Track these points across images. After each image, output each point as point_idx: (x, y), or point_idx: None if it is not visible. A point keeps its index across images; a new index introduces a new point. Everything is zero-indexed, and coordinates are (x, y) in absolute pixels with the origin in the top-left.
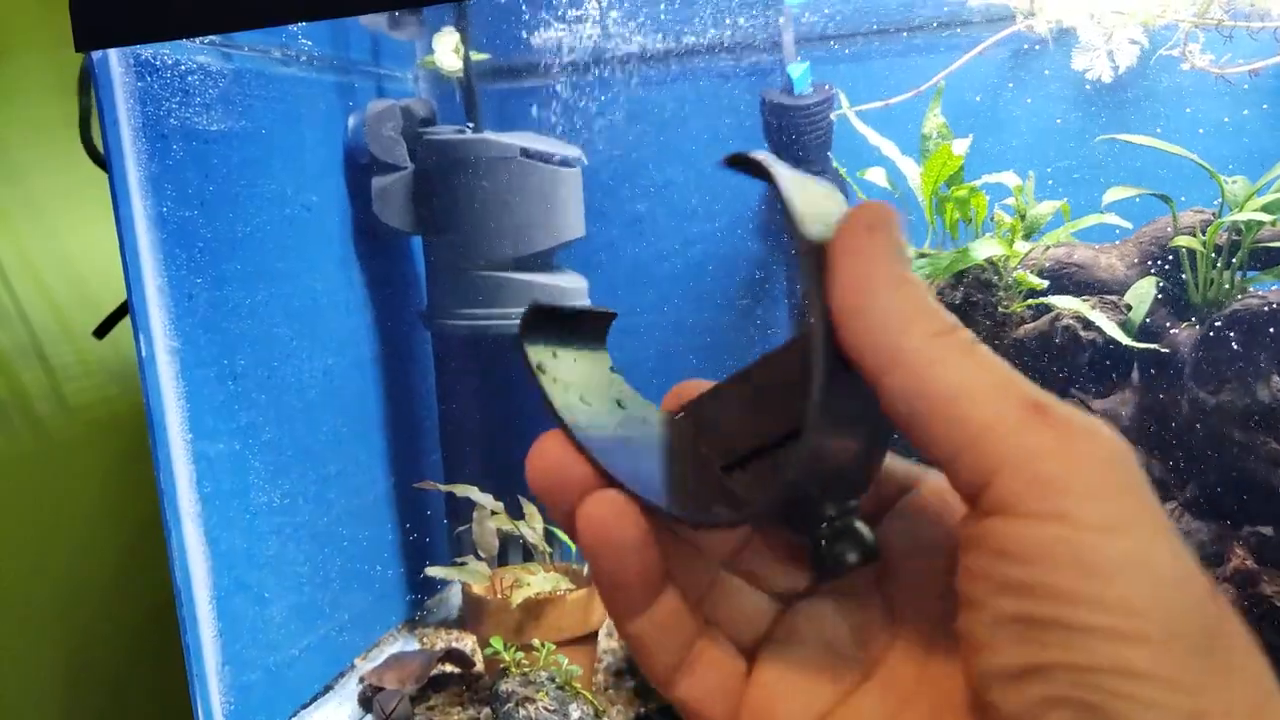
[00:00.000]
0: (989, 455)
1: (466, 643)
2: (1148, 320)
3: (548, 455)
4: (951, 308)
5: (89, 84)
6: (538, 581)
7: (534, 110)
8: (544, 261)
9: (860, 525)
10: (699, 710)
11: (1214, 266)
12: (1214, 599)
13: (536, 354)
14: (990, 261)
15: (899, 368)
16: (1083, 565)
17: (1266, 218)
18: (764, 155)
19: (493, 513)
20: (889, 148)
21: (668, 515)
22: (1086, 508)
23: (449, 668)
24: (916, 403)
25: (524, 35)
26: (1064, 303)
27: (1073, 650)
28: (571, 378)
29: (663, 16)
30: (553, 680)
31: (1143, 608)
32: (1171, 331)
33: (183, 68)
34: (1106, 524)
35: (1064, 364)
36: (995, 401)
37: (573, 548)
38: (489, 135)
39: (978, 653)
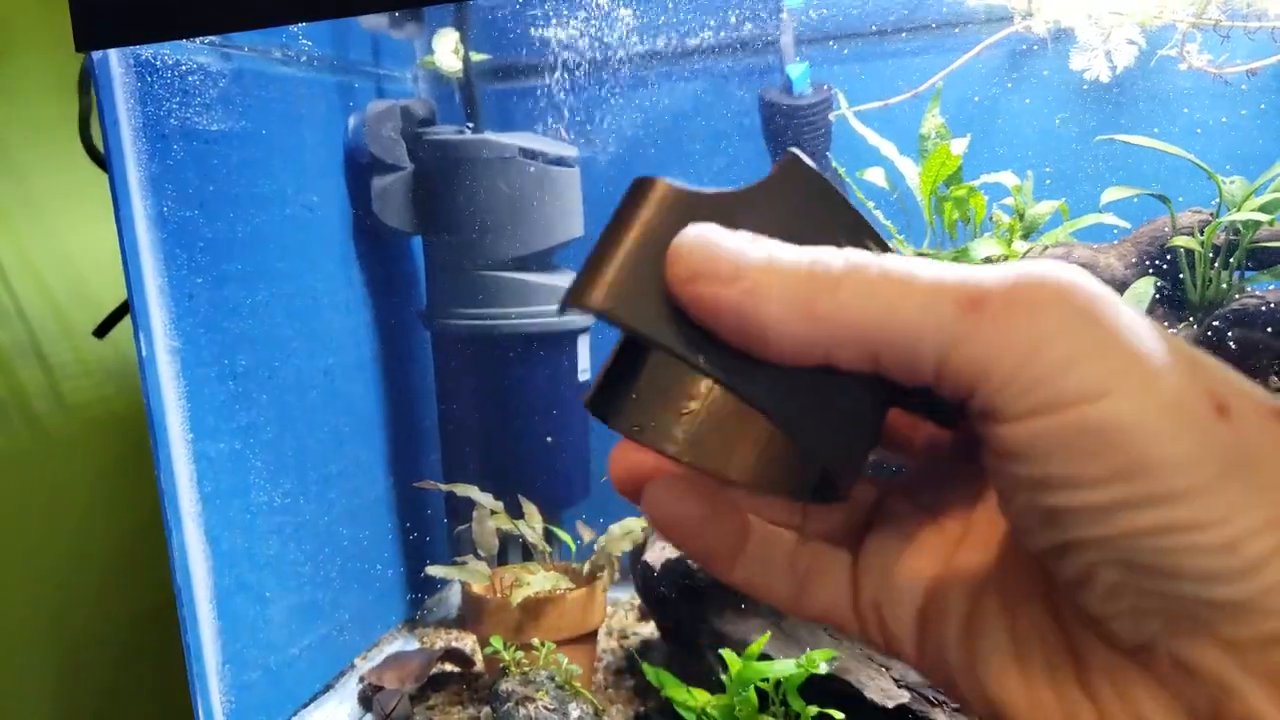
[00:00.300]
0: (952, 380)
1: (466, 642)
2: None
3: (628, 459)
4: None
5: (89, 84)
6: (537, 581)
7: (533, 110)
8: (543, 261)
9: None
10: (832, 619)
11: (1212, 266)
12: (1227, 417)
13: (625, 422)
14: (989, 261)
15: (834, 348)
16: (1073, 451)
17: (1264, 217)
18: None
19: (492, 512)
20: (888, 148)
21: (796, 496)
22: (1058, 390)
23: (449, 667)
24: (873, 363)
25: (524, 35)
26: None
27: (1094, 525)
28: (664, 405)
29: (662, 16)
30: (552, 679)
31: (1144, 470)
32: (1169, 331)
33: (183, 68)
34: (1082, 396)
35: None
36: (932, 327)
37: (572, 547)
38: (488, 135)
39: (1017, 534)
